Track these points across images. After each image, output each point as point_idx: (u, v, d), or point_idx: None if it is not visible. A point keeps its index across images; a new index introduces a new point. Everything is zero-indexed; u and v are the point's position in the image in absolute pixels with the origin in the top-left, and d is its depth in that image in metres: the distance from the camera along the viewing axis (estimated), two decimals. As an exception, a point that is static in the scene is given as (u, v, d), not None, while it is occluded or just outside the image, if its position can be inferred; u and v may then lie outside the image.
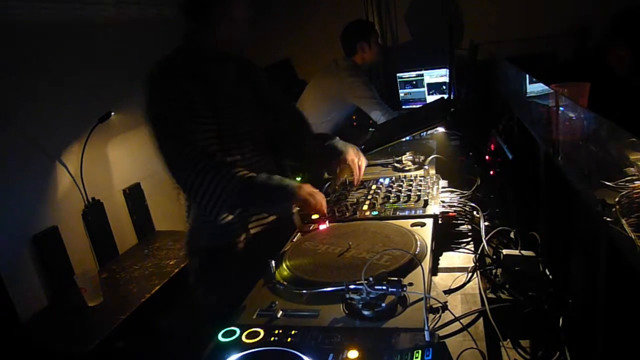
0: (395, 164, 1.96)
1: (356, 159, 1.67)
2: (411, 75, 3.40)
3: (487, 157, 1.89)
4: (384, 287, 0.94)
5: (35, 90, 2.21)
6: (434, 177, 1.70)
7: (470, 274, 1.19)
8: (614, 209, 0.80)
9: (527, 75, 1.60)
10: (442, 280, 1.19)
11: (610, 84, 1.98)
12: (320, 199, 1.45)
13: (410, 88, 3.44)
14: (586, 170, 1.00)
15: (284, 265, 1.18)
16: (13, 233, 2.07)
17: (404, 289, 0.94)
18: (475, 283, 1.16)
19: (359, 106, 2.90)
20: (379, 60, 3.21)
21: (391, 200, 1.53)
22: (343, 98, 2.91)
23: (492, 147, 1.90)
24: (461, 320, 0.99)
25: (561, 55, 3.04)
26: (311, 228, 1.41)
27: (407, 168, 1.90)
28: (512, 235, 1.38)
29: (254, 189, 1.40)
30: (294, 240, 1.37)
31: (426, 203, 1.46)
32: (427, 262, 1.11)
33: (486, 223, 1.41)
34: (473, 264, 1.23)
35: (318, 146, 1.72)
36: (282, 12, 3.66)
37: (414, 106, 3.39)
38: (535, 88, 1.52)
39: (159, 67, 1.45)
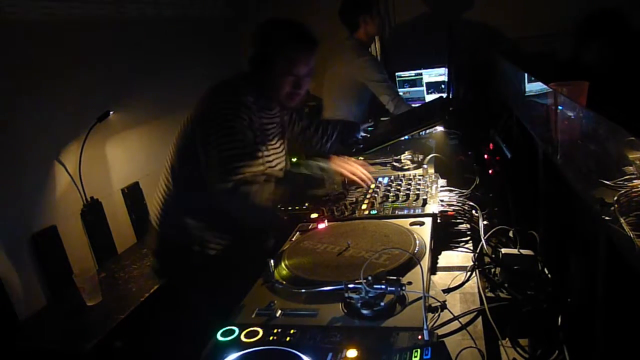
0: (394, 163, 1.96)
1: (344, 170, 1.61)
2: (410, 74, 3.39)
3: (486, 156, 1.89)
4: (383, 286, 0.94)
5: (34, 89, 2.21)
6: (433, 176, 1.70)
7: (469, 273, 1.19)
8: (612, 208, 0.81)
9: (526, 74, 1.60)
10: (441, 279, 1.20)
11: (609, 83, 1.98)
12: (354, 169, 1.59)
13: (408, 87, 3.43)
14: (585, 169, 1.00)
15: (282, 265, 1.17)
16: (11, 232, 2.07)
17: (403, 288, 0.94)
18: (474, 282, 1.16)
19: (370, 88, 2.84)
20: (381, 32, 3.16)
21: (390, 199, 1.53)
22: (354, 79, 2.84)
23: (491, 146, 1.90)
24: (460, 319, 1.00)
25: (560, 55, 3.04)
26: (310, 227, 1.41)
27: (406, 167, 1.90)
28: (511, 234, 1.38)
29: (291, 195, 1.54)
30: (293, 239, 1.37)
31: (425, 202, 1.46)
32: (426, 261, 1.11)
33: (485, 222, 1.41)
34: (472, 263, 1.23)
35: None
36: (281, 11, 3.65)
37: (413, 105, 3.38)
38: (534, 87, 1.52)
39: (231, 86, 1.58)
